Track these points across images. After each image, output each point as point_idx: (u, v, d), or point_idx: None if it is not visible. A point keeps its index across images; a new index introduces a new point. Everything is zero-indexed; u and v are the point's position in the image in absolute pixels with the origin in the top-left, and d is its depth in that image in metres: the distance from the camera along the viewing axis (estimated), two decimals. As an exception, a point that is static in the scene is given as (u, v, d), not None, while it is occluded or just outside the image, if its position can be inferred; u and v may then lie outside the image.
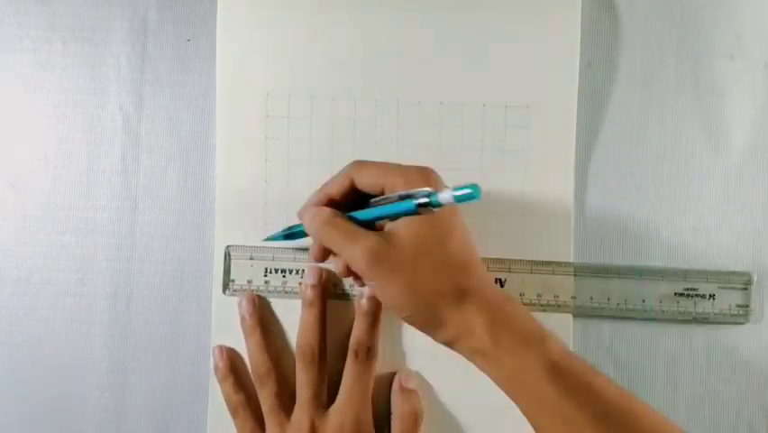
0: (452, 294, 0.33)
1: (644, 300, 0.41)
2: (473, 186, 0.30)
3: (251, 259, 0.41)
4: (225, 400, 0.40)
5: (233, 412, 0.40)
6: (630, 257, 0.41)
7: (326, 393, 0.39)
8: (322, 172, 0.41)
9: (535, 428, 0.33)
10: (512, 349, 0.33)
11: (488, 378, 0.34)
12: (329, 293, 0.41)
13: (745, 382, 0.41)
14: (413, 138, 0.41)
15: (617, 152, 0.42)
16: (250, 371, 0.41)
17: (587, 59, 0.41)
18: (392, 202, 0.34)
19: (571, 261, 0.41)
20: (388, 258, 0.33)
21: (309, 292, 0.40)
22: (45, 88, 0.42)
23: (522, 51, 0.41)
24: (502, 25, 0.41)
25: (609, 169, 0.42)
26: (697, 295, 0.41)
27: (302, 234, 0.39)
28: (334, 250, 0.36)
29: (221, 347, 0.41)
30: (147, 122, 0.42)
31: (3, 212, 0.42)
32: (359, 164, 0.36)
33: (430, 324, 0.34)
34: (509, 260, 0.41)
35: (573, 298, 0.41)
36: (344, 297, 0.41)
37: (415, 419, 0.40)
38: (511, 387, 0.33)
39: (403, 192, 0.34)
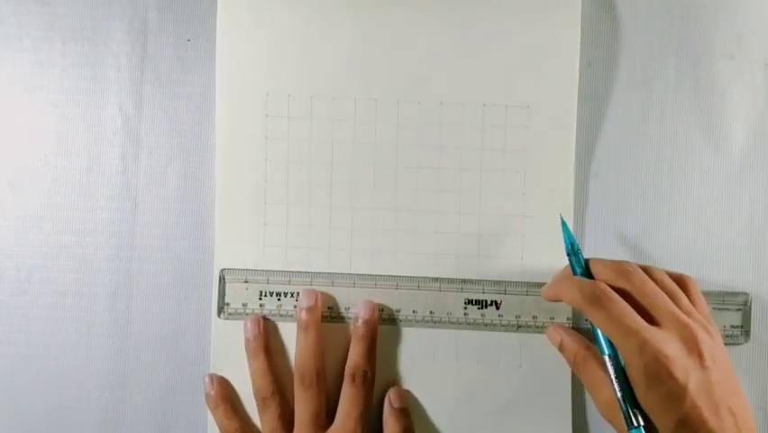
0: None
1: None
2: None
3: (246, 282, 0.41)
4: (219, 428, 0.40)
5: None
6: (630, 257, 0.41)
7: (325, 416, 0.39)
8: (322, 172, 0.41)
9: None
10: None
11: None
12: (323, 317, 0.41)
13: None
14: (413, 138, 0.41)
15: (617, 152, 0.42)
16: (252, 392, 0.40)
17: (587, 60, 0.41)
18: None
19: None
20: (668, 381, 0.32)
21: (304, 316, 0.40)
22: (45, 88, 0.42)
23: (522, 51, 0.41)
24: (502, 25, 0.41)
25: (609, 169, 0.42)
26: None
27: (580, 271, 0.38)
28: (603, 330, 0.35)
29: (211, 376, 0.41)
30: (147, 122, 0.42)
31: (3, 212, 0.42)
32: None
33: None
34: (505, 282, 0.41)
35: (569, 319, 0.41)
36: (340, 320, 0.41)
37: None
38: None
39: None
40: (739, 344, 0.41)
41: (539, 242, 0.41)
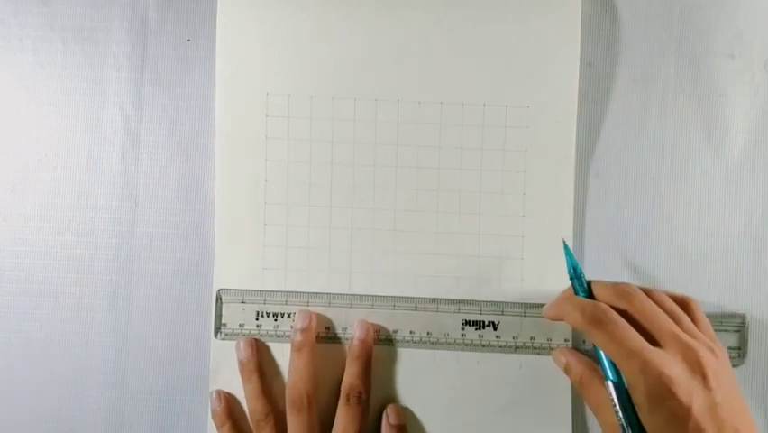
0: None
1: None
2: None
3: (243, 303, 0.41)
4: None
5: None
6: (631, 257, 0.41)
7: None
8: (322, 172, 0.41)
9: None
10: None
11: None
12: (320, 337, 0.41)
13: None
14: (413, 138, 0.41)
15: (617, 152, 0.42)
16: (248, 415, 0.40)
17: (587, 60, 0.41)
18: None
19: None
20: (672, 402, 0.32)
21: (299, 337, 0.40)
22: (45, 88, 0.42)
23: (522, 51, 0.41)
24: (502, 25, 0.41)
25: (609, 169, 0.42)
26: None
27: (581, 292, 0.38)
28: (606, 351, 0.35)
29: (219, 392, 0.41)
30: (147, 122, 0.42)
31: (3, 212, 0.42)
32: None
33: None
34: (502, 303, 0.41)
35: (567, 340, 0.41)
36: (336, 340, 0.41)
37: None
38: None
39: None
40: (735, 366, 0.40)
41: (539, 242, 0.41)
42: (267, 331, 0.41)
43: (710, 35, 0.41)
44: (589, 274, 0.40)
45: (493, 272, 0.41)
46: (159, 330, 0.42)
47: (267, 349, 0.41)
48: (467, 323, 0.41)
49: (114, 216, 0.42)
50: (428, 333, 0.41)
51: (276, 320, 0.41)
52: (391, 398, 0.41)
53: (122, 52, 0.42)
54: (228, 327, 0.41)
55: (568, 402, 0.41)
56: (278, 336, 0.41)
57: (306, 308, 0.41)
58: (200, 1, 0.42)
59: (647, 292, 0.36)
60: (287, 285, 0.41)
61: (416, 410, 0.41)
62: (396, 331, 0.41)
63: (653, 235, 0.41)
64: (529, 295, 0.41)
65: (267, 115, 0.41)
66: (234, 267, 0.41)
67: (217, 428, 0.41)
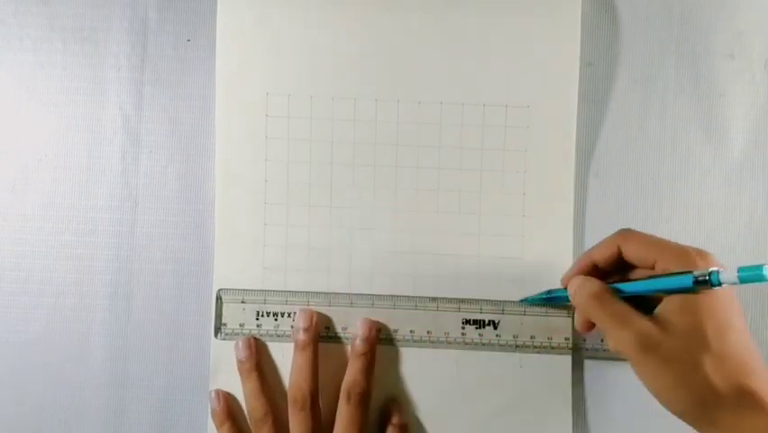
0: (731, 395, 0.30)
1: None
2: (759, 267, 0.29)
3: (243, 302, 0.41)
4: None
5: None
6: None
7: None
8: (322, 172, 0.41)
9: None
10: None
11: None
12: (321, 336, 0.41)
13: None
14: (413, 138, 0.41)
15: (617, 152, 0.42)
16: (246, 414, 0.40)
17: (587, 60, 0.41)
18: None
19: (571, 261, 0.41)
20: (660, 347, 0.31)
21: (301, 336, 0.40)
22: (45, 88, 0.42)
23: (522, 51, 0.41)
24: (502, 25, 0.41)
25: (609, 169, 0.42)
26: None
27: (565, 300, 0.38)
28: (600, 328, 0.34)
29: (218, 392, 0.41)
30: (147, 122, 0.42)
31: (3, 212, 0.42)
32: (628, 234, 0.35)
33: (701, 422, 0.31)
34: (503, 302, 0.41)
35: (567, 339, 0.40)
36: (337, 340, 0.41)
37: None
38: None
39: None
40: None
41: (539, 242, 0.41)
42: (267, 331, 0.41)
43: (710, 35, 0.41)
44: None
45: (493, 272, 0.41)
46: (159, 330, 0.42)
47: (266, 348, 0.41)
48: (467, 322, 0.41)
49: (114, 216, 0.42)
50: (428, 332, 0.41)
51: (276, 320, 0.41)
52: (391, 397, 0.41)
53: (122, 52, 0.42)
54: (228, 326, 0.41)
55: (568, 402, 0.41)
56: (279, 336, 0.41)
57: (307, 307, 0.41)
58: (200, 1, 0.42)
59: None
60: (287, 285, 0.41)
61: (417, 410, 0.41)
62: (396, 330, 0.41)
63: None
64: (529, 294, 0.41)
65: (267, 115, 0.41)
66: (234, 267, 0.41)
67: (216, 428, 0.41)
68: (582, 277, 0.36)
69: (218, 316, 0.41)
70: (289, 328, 0.41)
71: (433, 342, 0.41)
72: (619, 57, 0.41)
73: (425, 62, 0.41)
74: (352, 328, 0.41)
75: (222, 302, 0.41)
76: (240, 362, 0.40)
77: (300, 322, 0.40)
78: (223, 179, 0.41)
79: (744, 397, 0.30)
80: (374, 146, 0.41)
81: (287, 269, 0.41)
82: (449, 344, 0.41)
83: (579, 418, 0.41)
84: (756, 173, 0.41)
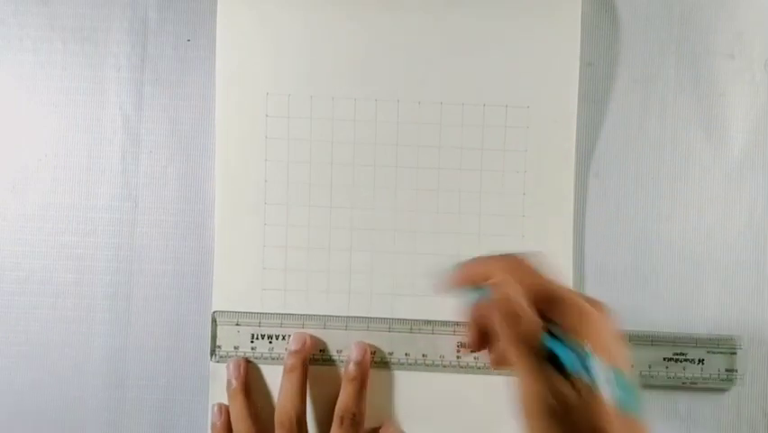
0: None
1: (632, 366, 0.36)
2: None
3: (238, 325, 0.41)
4: None
5: None
6: (631, 257, 0.41)
7: None
8: (322, 172, 0.41)
9: None
10: None
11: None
12: (314, 359, 0.40)
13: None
14: (413, 138, 0.41)
15: (617, 152, 0.42)
16: None
17: (587, 60, 0.41)
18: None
19: (570, 261, 0.41)
20: (560, 424, 0.28)
21: (290, 359, 0.40)
22: (45, 88, 0.42)
23: (522, 51, 0.41)
24: (502, 25, 0.41)
25: (609, 169, 0.42)
26: (686, 360, 0.40)
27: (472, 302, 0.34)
28: (510, 360, 0.30)
29: (220, 405, 0.41)
30: (147, 122, 0.42)
31: (3, 212, 0.42)
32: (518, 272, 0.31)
33: None
34: None
35: None
36: (331, 363, 0.41)
37: None
38: None
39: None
40: (733, 354, 0.41)
41: (539, 242, 0.41)
42: (262, 354, 0.41)
43: (710, 35, 0.41)
44: (589, 274, 0.41)
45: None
46: (158, 330, 0.42)
47: (259, 371, 0.41)
48: (463, 345, 0.41)
49: (114, 216, 0.42)
50: (423, 355, 0.41)
51: (271, 342, 0.41)
52: (386, 420, 0.41)
53: (122, 52, 0.42)
54: (223, 348, 0.41)
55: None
56: (273, 359, 0.41)
57: (302, 330, 0.41)
58: (200, 1, 0.42)
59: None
60: (287, 285, 0.41)
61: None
62: (391, 353, 0.41)
63: (653, 235, 0.41)
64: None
65: (267, 115, 0.41)
66: (234, 267, 0.41)
67: None
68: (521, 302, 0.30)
69: (213, 338, 0.41)
70: (284, 351, 0.41)
71: (428, 365, 0.41)
72: (619, 57, 0.41)
73: (425, 62, 0.41)
74: (347, 351, 0.40)
75: (217, 324, 0.41)
76: (228, 382, 0.40)
77: (292, 345, 0.40)
78: (223, 179, 0.41)
79: None
80: (374, 146, 0.41)
81: (286, 269, 0.41)
82: (444, 367, 0.41)
83: None
84: (756, 173, 0.41)
